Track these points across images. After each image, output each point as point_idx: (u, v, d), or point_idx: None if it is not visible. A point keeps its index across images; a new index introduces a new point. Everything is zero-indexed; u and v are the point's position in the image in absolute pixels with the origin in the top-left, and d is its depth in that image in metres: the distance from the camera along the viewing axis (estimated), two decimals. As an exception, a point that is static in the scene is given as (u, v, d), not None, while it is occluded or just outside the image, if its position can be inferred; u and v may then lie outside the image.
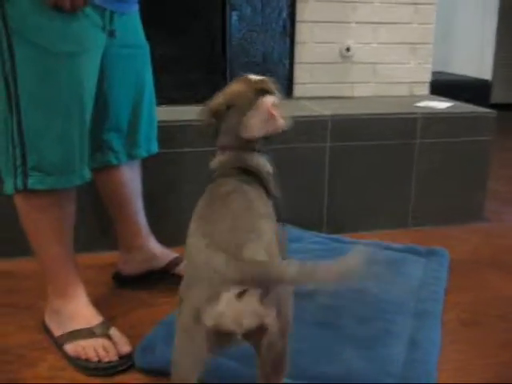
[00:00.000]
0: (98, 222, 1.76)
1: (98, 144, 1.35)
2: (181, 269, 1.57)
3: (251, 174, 1.06)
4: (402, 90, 2.46)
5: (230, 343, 0.86)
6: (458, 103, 2.28)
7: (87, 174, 1.25)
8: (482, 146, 2.10)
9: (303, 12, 2.26)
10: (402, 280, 1.58)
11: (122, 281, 1.58)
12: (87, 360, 1.19)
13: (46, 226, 1.24)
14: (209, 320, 0.81)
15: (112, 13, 1.23)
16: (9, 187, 1.18)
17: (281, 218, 1.06)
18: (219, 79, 2.06)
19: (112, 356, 1.19)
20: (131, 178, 1.50)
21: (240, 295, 0.80)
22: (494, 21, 4.23)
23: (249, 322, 0.81)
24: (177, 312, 0.90)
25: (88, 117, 1.22)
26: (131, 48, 1.35)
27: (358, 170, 1.99)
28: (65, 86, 1.14)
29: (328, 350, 1.22)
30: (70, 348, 1.22)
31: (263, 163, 1.11)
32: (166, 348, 1.19)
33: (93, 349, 1.19)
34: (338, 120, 1.94)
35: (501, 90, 4.49)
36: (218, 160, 1.11)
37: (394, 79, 2.43)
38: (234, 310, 0.80)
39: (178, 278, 1.59)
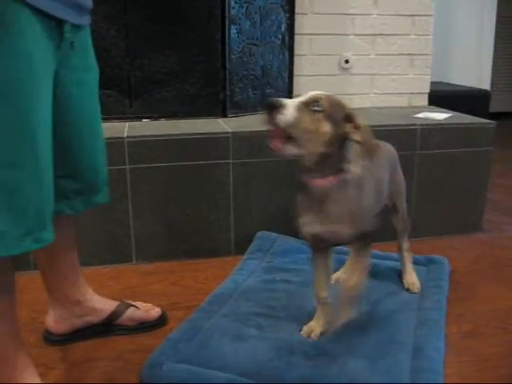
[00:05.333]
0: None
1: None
2: (124, 318, 1.42)
3: None
4: (401, 102, 2.47)
5: None
6: (457, 114, 2.29)
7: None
8: (482, 156, 2.11)
9: (302, 25, 2.28)
10: (403, 289, 1.59)
11: (56, 340, 1.38)
12: None
13: None
14: None
15: (64, 23, 1.01)
16: None
17: None
18: (219, 92, 2.07)
19: None
20: (69, 223, 1.30)
21: None
22: (491, 30, 4.26)
23: None
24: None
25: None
26: (83, 72, 1.13)
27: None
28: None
29: (334, 362, 1.22)
30: None
31: None
32: (173, 364, 1.20)
33: None
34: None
35: (500, 98, 4.51)
36: None
37: (392, 90, 2.45)
38: None
39: (121, 329, 1.41)
